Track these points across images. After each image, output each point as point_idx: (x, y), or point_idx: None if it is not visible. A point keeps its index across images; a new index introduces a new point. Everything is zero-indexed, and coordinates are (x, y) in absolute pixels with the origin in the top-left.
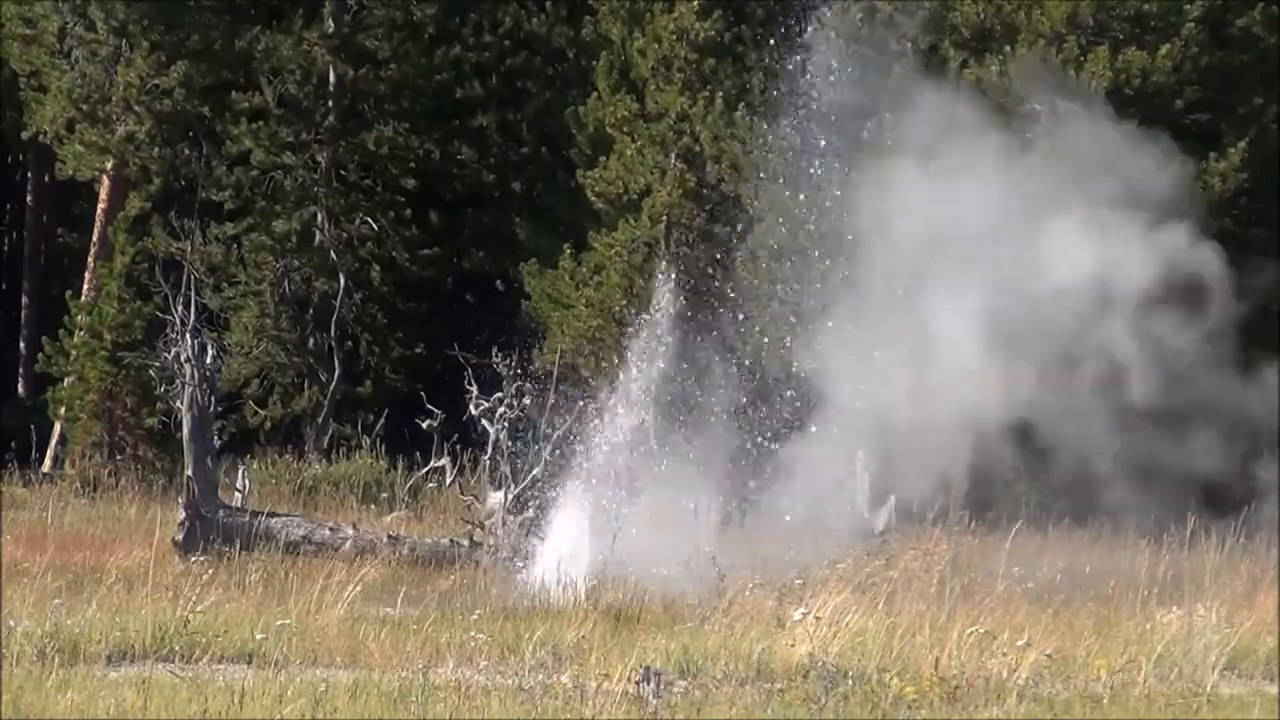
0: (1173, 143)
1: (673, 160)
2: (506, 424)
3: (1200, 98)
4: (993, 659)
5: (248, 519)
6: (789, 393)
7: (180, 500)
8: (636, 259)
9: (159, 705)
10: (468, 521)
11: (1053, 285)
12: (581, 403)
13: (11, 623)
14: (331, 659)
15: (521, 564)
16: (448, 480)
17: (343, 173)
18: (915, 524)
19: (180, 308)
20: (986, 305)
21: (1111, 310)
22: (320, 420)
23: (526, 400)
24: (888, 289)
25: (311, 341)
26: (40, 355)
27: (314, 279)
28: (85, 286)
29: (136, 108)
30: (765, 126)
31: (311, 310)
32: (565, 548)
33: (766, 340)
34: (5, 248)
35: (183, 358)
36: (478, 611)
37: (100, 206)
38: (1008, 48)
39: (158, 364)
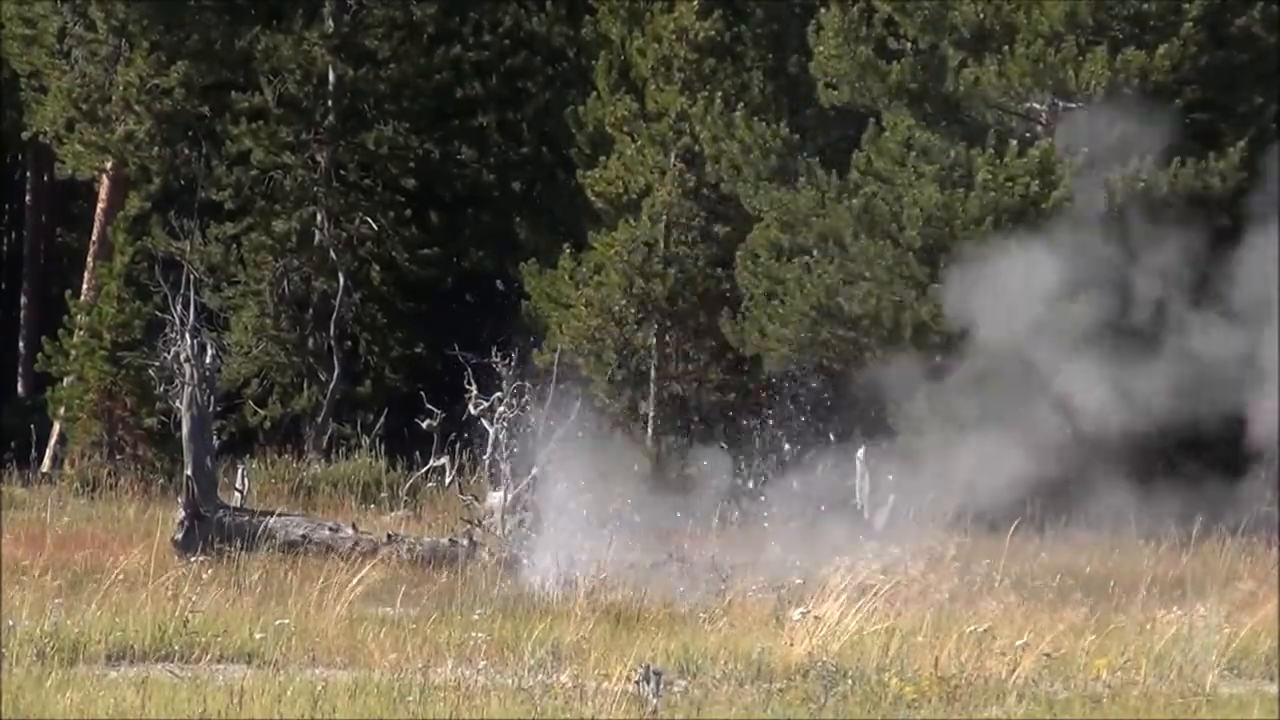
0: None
1: (673, 160)
2: (506, 424)
3: (1200, 98)
4: (992, 659)
5: (247, 519)
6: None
7: (180, 500)
8: (636, 259)
9: (158, 705)
10: (468, 521)
11: None
12: (581, 402)
13: (11, 623)
14: (331, 659)
15: (522, 563)
16: (447, 480)
17: (342, 172)
18: (915, 524)
19: (180, 307)
20: None
21: None
22: (320, 420)
23: (526, 400)
24: None
25: (311, 341)
26: (40, 355)
27: (313, 279)
28: (85, 286)
29: (136, 107)
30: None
31: (311, 310)
32: (565, 547)
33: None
34: (5, 248)
35: (182, 357)
36: (478, 611)
37: (100, 206)
38: (1006, 47)
39: (157, 364)
